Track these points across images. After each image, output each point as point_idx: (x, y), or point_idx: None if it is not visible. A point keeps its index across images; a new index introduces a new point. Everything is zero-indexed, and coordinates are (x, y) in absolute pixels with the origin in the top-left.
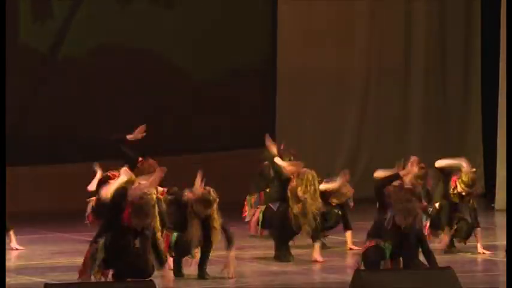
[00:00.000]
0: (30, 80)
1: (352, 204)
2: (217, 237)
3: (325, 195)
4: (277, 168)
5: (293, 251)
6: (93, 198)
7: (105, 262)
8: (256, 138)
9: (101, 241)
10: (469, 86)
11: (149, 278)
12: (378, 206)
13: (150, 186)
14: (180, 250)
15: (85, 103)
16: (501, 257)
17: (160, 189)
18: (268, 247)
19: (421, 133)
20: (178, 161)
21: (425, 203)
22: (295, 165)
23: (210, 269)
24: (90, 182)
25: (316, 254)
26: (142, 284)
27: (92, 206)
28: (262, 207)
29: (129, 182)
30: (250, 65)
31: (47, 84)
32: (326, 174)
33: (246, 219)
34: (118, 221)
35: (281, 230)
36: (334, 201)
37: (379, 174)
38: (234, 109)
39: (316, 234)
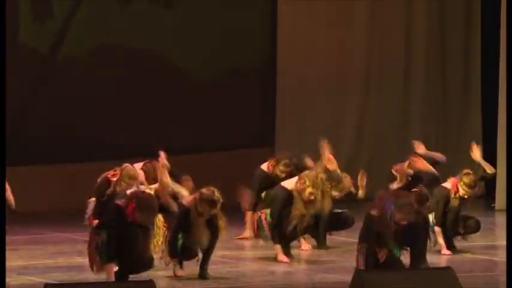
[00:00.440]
0: (30, 80)
1: (355, 191)
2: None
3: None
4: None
5: (293, 251)
6: (93, 198)
7: (109, 254)
8: (256, 138)
9: (104, 234)
10: (469, 86)
11: (149, 278)
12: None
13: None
14: (187, 253)
15: (85, 103)
16: (501, 257)
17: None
18: (268, 247)
19: (421, 133)
20: (179, 161)
21: (431, 202)
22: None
23: (210, 269)
24: (90, 182)
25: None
26: (142, 284)
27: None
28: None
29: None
30: (250, 65)
31: (47, 84)
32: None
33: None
34: (123, 216)
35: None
36: (335, 194)
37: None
38: (233, 109)
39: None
